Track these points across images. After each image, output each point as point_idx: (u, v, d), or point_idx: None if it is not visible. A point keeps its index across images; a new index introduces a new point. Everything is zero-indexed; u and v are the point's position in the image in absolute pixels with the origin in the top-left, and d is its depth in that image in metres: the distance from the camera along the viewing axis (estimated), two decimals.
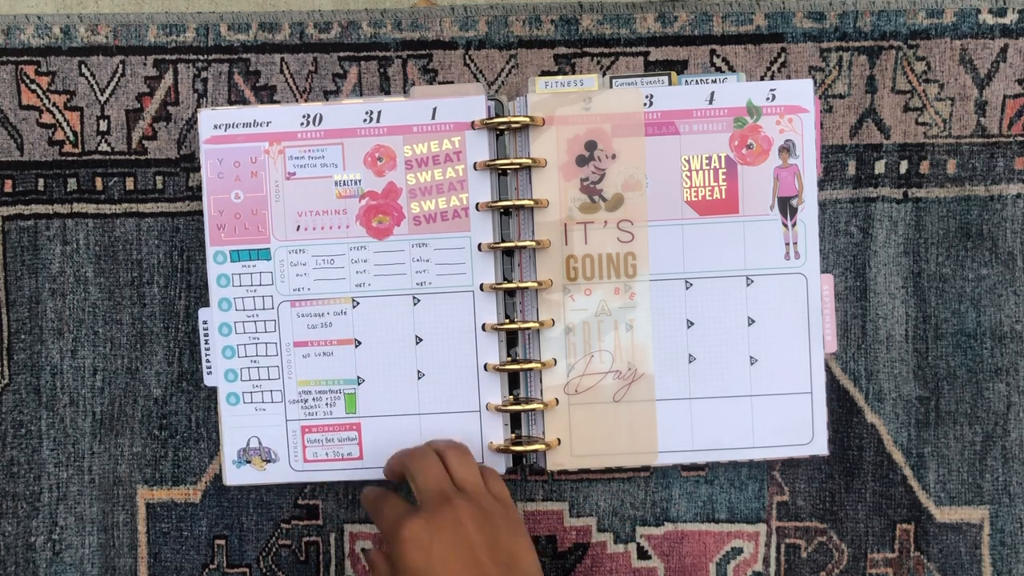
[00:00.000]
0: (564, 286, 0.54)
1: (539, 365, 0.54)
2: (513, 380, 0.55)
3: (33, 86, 0.58)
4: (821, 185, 0.57)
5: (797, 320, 0.54)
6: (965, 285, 0.57)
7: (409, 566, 0.44)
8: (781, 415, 0.54)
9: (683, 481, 0.58)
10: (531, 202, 0.53)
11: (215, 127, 0.54)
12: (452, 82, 0.58)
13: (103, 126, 0.58)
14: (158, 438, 0.58)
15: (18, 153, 0.58)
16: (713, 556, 0.58)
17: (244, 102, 0.58)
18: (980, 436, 0.57)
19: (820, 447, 0.54)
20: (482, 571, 0.44)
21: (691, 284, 0.54)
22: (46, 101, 0.58)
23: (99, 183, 0.58)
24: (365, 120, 0.54)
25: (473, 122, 0.53)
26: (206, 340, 0.55)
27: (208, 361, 0.55)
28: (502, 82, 0.58)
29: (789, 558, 0.58)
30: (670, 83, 0.54)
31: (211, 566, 0.58)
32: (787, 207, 0.54)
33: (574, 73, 0.58)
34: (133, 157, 0.58)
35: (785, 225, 0.54)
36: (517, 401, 0.55)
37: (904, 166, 0.57)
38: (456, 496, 0.46)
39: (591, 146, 0.53)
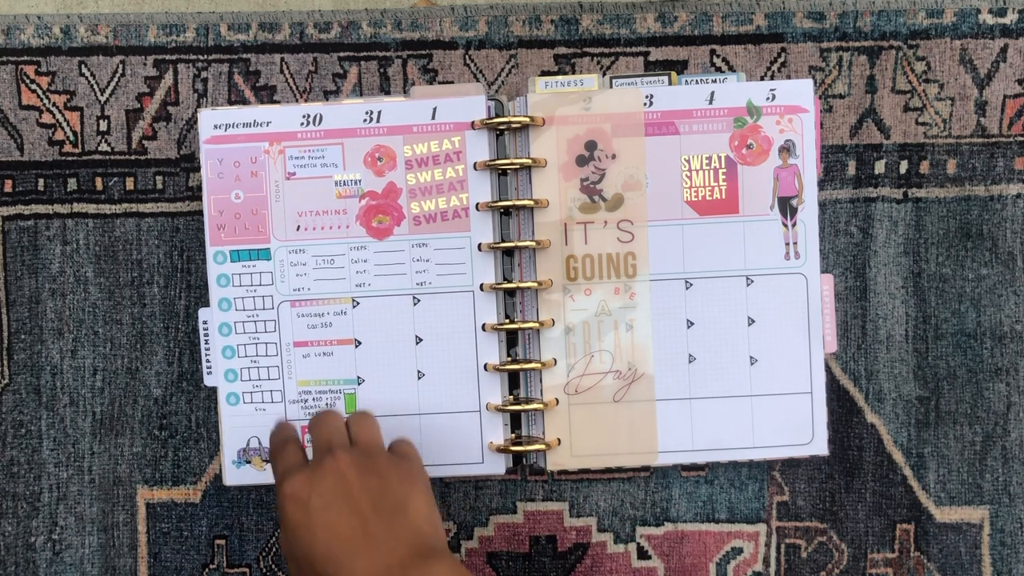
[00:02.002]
0: (564, 286, 0.54)
1: (539, 365, 0.54)
2: (513, 380, 0.55)
3: (33, 86, 0.58)
4: (821, 185, 0.57)
5: (797, 320, 0.54)
6: (965, 285, 0.57)
7: (288, 522, 0.43)
8: (781, 415, 0.54)
9: (683, 481, 0.58)
10: (531, 202, 0.53)
11: (215, 127, 0.54)
12: (452, 82, 0.58)
13: (103, 126, 0.58)
14: (158, 438, 0.58)
15: (18, 153, 0.58)
16: (713, 556, 0.58)
17: (244, 102, 0.58)
18: (980, 436, 0.57)
19: (820, 447, 0.54)
20: (362, 521, 0.42)
21: (691, 284, 0.54)
22: (46, 101, 0.58)
23: (99, 183, 0.58)
24: (365, 120, 0.54)
25: (473, 122, 0.53)
26: (206, 340, 0.55)
27: (208, 361, 0.55)
28: (502, 82, 0.58)
29: (789, 558, 0.58)
30: (670, 83, 0.54)
31: (211, 566, 0.58)
32: (787, 207, 0.54)
33: (574, 73, 0.58)
34: (133, 157, 0.58)
35: (785, 225, 0.54)
36: (517, 401, 0.55)
37: (904, 166, 0.57)
38: (341, 448, 0.45)
39: (591, 146, 0.53)
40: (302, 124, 0.54)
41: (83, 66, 0.58)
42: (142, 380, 0.58)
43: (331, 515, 0.42)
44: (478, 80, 0.58)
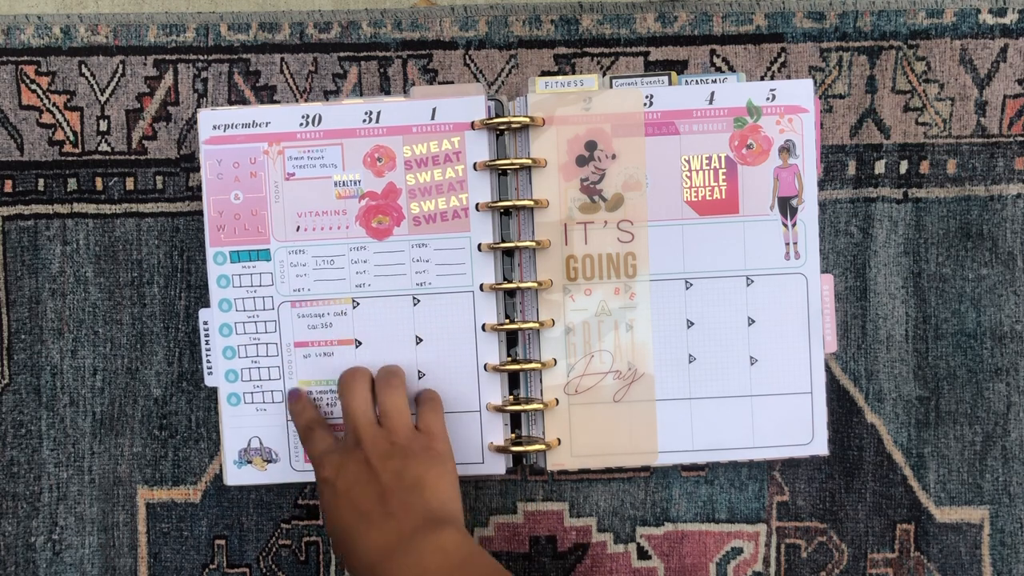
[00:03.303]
0: (564, 286, 0.54)
1: (539, 365, 0.54)
2: (513, 380, 0.55)
3: (33, 86, 0.58)
4: (821, 185, 0.57)
5: (797, 320, 0.54)
6: (965, 285, 0.57)
7: (323, 503, 0.49)
8: (781, 415, 0.54)
9: (683, 481, 0.58)
10: (531, 202, 0.53)
11: (214, 127, 0.54)
12: (452, 82, 0.58)
13: (103, 126, 0.58)
14: (158, 438, 0.58)
15: (18, 153, 0.58)
16: (713, 556, 0.58)
17: (244, 102, 0.58)
18: (980, 436, 0.57)
19: (820, 447, 0.54)
20: (381, 499, 0.47)
21: (691, 284, 0.54)
22: (46, 101, 0.58)
23: (99, 183, 0.58)
24: (365, 120, 0.54)
25: (473, 122, 0.53)
26: (206, 341, 0.55)
27: (209, 362, 0.55)
28: (502, 82, 0.58)
29: (789, 558, 0.58)
30: (670, 83, 0.54)
31: (211, 566, 0.58)
32: (787, 207, 0.54)
33: (574, 73, 0.58)
34: (133, 157, 0.58)
35: (785, 225, 0.54)
36: (517, 401, 0.55)
37: (904, 166, 0.57)
38: (369, 435, 0.49)
39: (591, 146, 0.53)
40: (301, 124, 0.54)
41: (83, 66, 0.58)
42: (142, 380, 0.58)
43: (354, 495, 0.47)
44: (478, 80, 0.58)
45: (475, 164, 0.53)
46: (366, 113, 0.54)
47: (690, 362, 0.54)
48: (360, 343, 0.54)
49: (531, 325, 0.54)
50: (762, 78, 0.57)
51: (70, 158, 0.58)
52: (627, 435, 0.54)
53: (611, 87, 0.54)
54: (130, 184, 0.58)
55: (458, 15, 0.58)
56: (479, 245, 0.54)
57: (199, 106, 0.58)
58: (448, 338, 0.54)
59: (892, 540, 0.57)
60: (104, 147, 0.58)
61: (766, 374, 0.54)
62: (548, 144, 0.53)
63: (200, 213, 0.57)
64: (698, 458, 0.54)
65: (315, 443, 0.51)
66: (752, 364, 0.54)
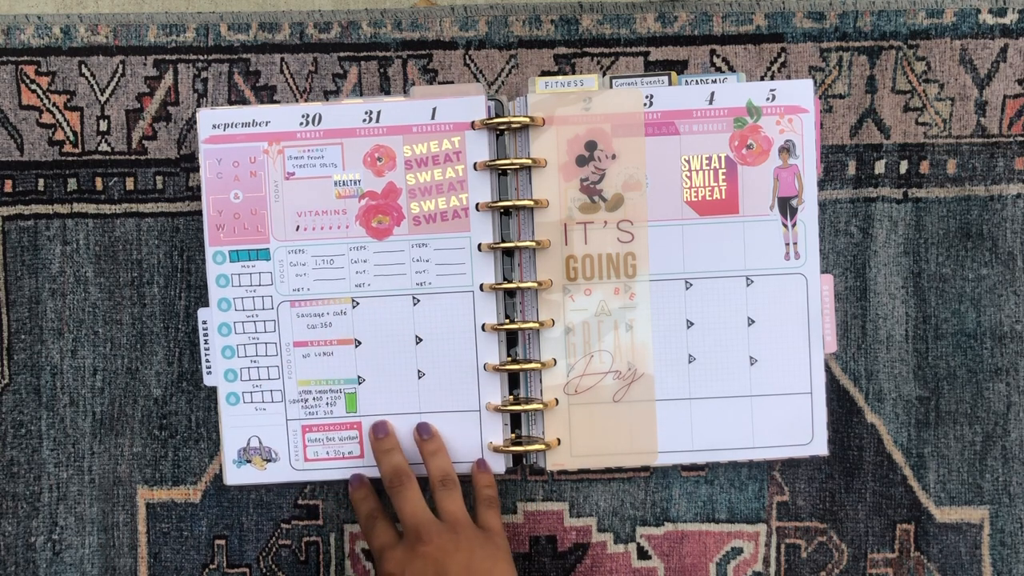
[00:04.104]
0: (564, 286, 0.54)
1: (539, 365, 0.54)
2: (513, 380, 0.55)
3: (33, 86, 0.58)
4: (821, 185, 0.57)
5: (797, 320, 0.54)
6: (965, 285, 0.57)
7: None
8: (781, 415, 0.54)
9: (683, 481, 0.58)
10: (531, 202, 0.53)
11: (214, 127, 0.54)
12: (452, 82, 0.58)
13: (103, 126, 0.58)
14: (158, 438, 0.58)
15: (18, 153, 0.58)
16: (713, 556, 0.58)
17: (244, 102, 0.58)
18: (980, 436, 0.57)
19: (820, 447, 0.54)
20: None
21: (691, 284, 0.54)
22: (46, 101, 0.58)
23: (99, 183, 0.58)
24: (364, 120, 0.54)
25: (473, 122, 0.53)
26: (205, 340, 0.55)
27: (208, 361, 0.55)
28: (502, 82, 0.58)
29: (789, 558, 0.58)
30: (670, 83, 0.54)
31: (211, 566, 0.58)
32: (787, 207, 0.54)
33: (574, 73, 0.58)
34: (133, 157, 0.58)
35: (785, 225, 0.54)
36: (517, 401, 0.55)
37: (904, 166, 0.57)
38: (433, 532, 0.49)
39: (591, 146, 0.53)
40: (301, 124, 0.54)
41: (83, 66, 0.58)
42: (142, 380, 0.58)
43: None
44: (478, 80, 0.58)
45: (475, 164, 0.53)
46: (366, 113, 0.54)
47: (690, 362, 0.54)
48: (360, 343, 0.54)
49: (531, 325, 0.54)
50: (762, 78, 0.57)
51: (70, 158, 0.58)
52: (627, 435, 0.54)
53: (611, 87, 0.54)
54: (130, 184, 0.58)
55: (458, 15, 0.58)
56: (479, 245, 0.54)
57: (199, 106, 0.58)
58: (448, 338, 0.54)
59: (892, 540, 0.57)
60: (104, 147, 0.58)
61: (766, 374, 0.54)
62: (548, 144, 0.53)
63: (200, 213, 0.57)
64: (698, 458, 0.54)
65: (377, 535, 0.51)
66: (752, 364, 0.54)
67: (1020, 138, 0.57)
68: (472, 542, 0.49)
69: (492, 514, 0.53)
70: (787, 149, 0.54)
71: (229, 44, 0.58)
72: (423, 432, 0.54)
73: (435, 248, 0.54)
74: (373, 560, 0.51)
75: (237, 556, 0.58)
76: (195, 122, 0.58)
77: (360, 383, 0.54)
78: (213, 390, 0.56)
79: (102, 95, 0.58)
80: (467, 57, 0.58)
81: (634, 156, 0.53)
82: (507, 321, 0.54)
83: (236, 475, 0.55)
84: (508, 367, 0.54)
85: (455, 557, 0.48)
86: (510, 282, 0.54)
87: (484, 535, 0.51)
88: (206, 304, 0.55)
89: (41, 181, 0.58)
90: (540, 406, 0.54)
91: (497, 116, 0.53)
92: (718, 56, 0.57)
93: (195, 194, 0.58)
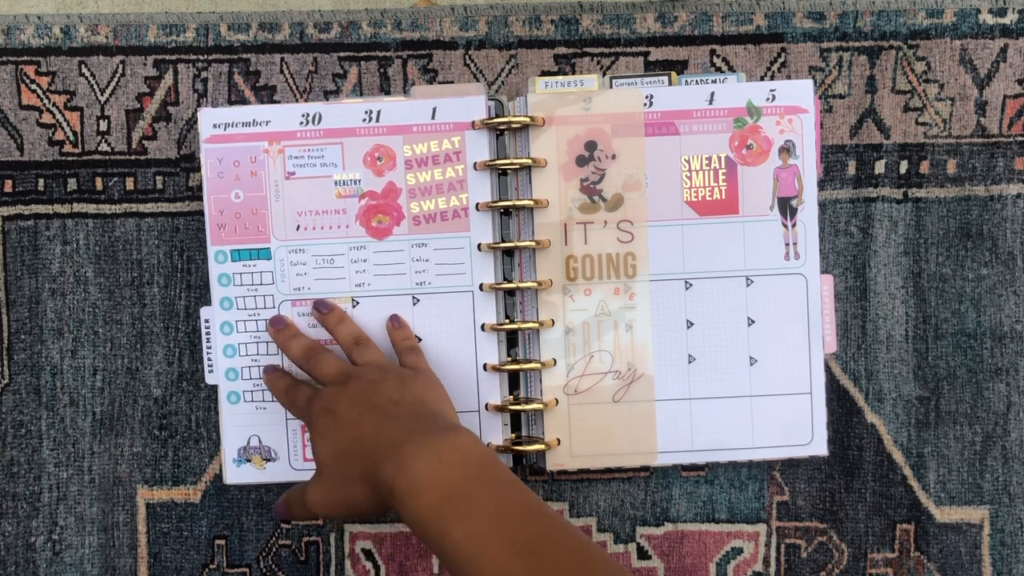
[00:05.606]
0: (564, 286, 0.54)
1: (539, 365, 0.54)
2: (513, 380, 0.55)
3: (33, 86, 0.58)
4: (821, 185, 0.57)
5: (797, 320, 0.54)
6: (965, 285, 0.57)
7: (320, 431, 0.47)
8: (781, 415, 0.54)
9: (683, 481, 0.58)
10: (531, 202, 0.53)
11: (214, 126, 0.54)
12: (452, 82, 0.58)
13: (103, 126, 0.58)
14: (158, 438, 0.58)
15: (18, 153, 0.58)
16: (713, 556, 0.58)
17: (244, 102, 0.58)
18: (980, 436, 0.57)
19: (820, 447, 0.54)
20: (382, 412, 0.46)
21: (691, 284, 0.54)
22: (46, 101, 0.58)
23: (99, 183, 0.58)
24: (364, 120, 0.54)
25: (473, 122, 0.53)
26: (207, 338, 0.55)
27: (209, 359, 0.55)
28: (502, 82, 0.58)
29: (789, 558, 0.58)
30: (670, 83, 0.54)
31: (211, 566, 0.58)
32: (787, 207, 0.54)
33: (574, 73, 0.58)
34: (133, 157, 0.58)
35: (785, 225, 0.54)
36: (517, 401, 0.55)
37: (904, 166, 0.57)
38: (360, 371, 0.49)
39: (591, 146, 0.53)
40: (301, 124, 0.54)
41: (83, 66, 0.58)
42: (142, 380, 0.58)
43: (353, 411, 0.46)
44: (478, 80, 0.58)
45: (475, 164, 0.53)
46: (366, 112, 0.54)
47: (690, 362, 0.54)
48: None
49: (531, 325, 0.54)
50: (762, 78, 0.57)
51: (70, 158, 0.58)
52: (627, 435, 0.54)
53: (611, 87, 0.54)
54: (130, 184, 0.58)
55: (458, 15, 0.58)
56: (479, 245, 0.54)
57: (199, 106, 0.58)
58: (448, 338, 0.54)
59: (892, 540, 0.57)
60: (104, 147, 0.58)
61: (766, 374, 0.54)
62: (548, 144, 0.53)
63: (200, 213, 0.57)
64: (698, 458, 0.54)
65: (300, 395, 0.50)
66: (752, 364, 0.54)
67: (1020, 138, 0.57)
68: (402, 373, 0.49)
69: (416, 358, 0.52)
70: (787, 149, 0.54)
71: (229, 44, 0.58)
72: (321, 308, 0.53)
73: (435, 248, 0.54)
74: (306, 424, 0.49)
75: (237, 556, 0.58)
76: (195, 122, 0.58)
77: None
78: (213, 390, 0.56)
79: (102, 95, 0.58)
80: (467, 57, 0.58)
81: (634, 156, 0.53)
82: (507, 321, 0.54)
83: (236, 474, 0.55)
84: (508, 367, 0.54)
85: (386, 384, 0.47)
86: (510, 282, 0.54)
87: (413, 371, 0.50)
88: (206, 303, 0.55)
89: (41, 181, 0.58)
90: (540, 406, 0.54)
91: (497, 116, 0.53)
92: (718, 56, 0.57)
93: (195, 194, 0.58)
